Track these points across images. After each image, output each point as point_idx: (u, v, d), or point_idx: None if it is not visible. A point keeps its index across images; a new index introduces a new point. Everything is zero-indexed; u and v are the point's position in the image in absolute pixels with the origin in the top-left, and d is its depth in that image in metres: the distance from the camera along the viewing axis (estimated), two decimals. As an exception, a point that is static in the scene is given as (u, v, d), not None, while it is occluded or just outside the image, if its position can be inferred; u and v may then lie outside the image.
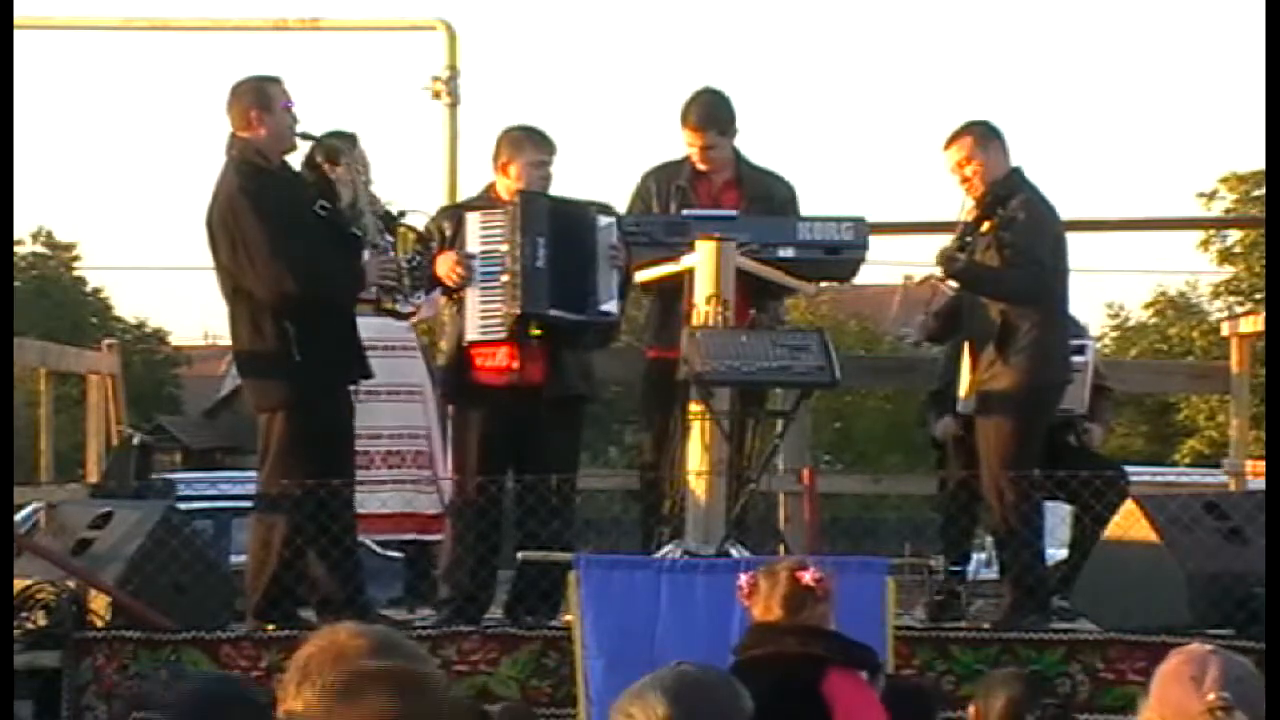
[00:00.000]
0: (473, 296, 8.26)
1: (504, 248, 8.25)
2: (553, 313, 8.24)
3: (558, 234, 8.28)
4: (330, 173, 8.28)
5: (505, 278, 8.21)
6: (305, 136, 8.25)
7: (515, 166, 8.45)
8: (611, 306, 8.38)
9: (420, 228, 8.54)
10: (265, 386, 8.18)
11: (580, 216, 8.39)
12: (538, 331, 8.25)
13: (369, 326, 8.66)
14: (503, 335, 8.24)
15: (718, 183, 8.84)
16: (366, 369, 8.40)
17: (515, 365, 8.30)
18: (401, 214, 8.68)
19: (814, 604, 6.27)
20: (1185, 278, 38.32)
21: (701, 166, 8.78)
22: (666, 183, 8.82)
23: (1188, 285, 38.24)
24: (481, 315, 8.24)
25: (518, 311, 8.17)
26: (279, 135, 8.17)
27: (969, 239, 8.55)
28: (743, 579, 6.40)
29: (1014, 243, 8.43)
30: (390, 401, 9.17)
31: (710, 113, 8.75)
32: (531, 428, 8.32)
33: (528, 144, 8.52)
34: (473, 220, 8.36)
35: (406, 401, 9.18)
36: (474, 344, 8.30)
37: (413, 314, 8.64)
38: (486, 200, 8.53)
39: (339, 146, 8.31)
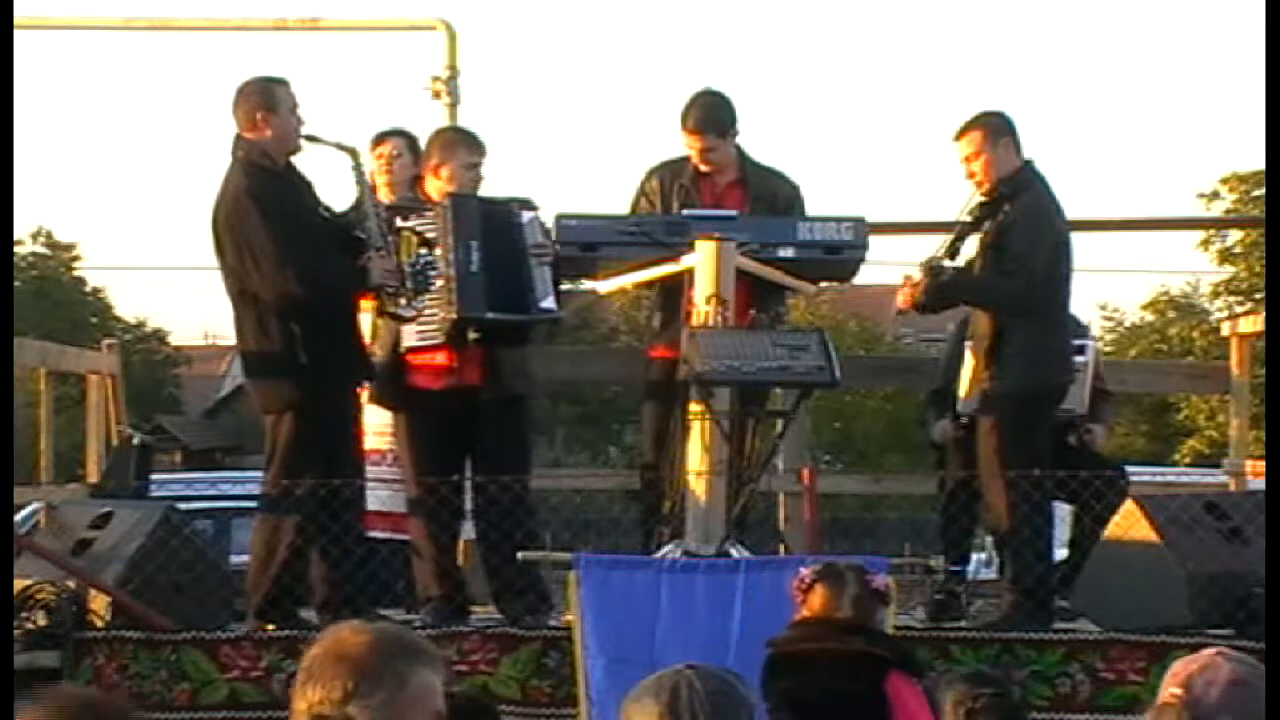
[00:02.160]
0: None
1: (437, 252, 8.26)
2: (490, 316, 8.26)
3: (488, 236, 8.30)
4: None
5: (440, 282, 8.23)
6: (310, 139, 8.25)
7: (448, 169, 8.48)
8: (550, 303, 8.41)
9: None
10: (271, 388, 8.19)
11: (507, 215, 8.42)
12: (476, 335, 8.27)
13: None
14: (440, 340, 8.26)
15: (721, 183, 8.83)
16: (371, 370, 8.41)
17: (454, 366, 8.33)
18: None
19: (881, 608, 6.38)
20: (1186, 278, 38.31)
21: (703, 168, 8.78)
22: (670, 180, 8.81)
23: (1189, 285, 38.23)
24: (418, 320, 8.26)
25: (454, 316, 8.18)
26: (284, 137, 8.17)
27: (960, 243, 8.53)
28: (804, 571, 6.44)
29: (1009, 249, 8.39)
30: None
31: (708, 115, 8.74)
32: (475, 430, 8.35)
33: (461, 146, 8.57)
34: (401, 224, 8.36)
35: None
36: (411, 350, 8.32)
37: (415, 318, 8.65)
38: (415, 202, 8.55)
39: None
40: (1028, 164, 8.54)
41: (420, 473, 8.36)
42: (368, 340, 8.57)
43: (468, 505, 8.52)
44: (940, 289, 8.47)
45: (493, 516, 8.32)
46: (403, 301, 8.34)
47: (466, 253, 8.23)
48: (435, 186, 8.51)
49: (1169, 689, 3.54)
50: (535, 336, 8.76)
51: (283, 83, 8.25)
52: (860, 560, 7.58)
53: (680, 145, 8.83)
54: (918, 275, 8.53)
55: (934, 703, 6.26)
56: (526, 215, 8.43)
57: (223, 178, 8.21)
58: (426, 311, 8.25)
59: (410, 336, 8.30)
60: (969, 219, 8.53)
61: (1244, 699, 3.46)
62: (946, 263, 8.49)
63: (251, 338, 8.15)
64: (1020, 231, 8.38)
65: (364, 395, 8.70)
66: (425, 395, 8.38)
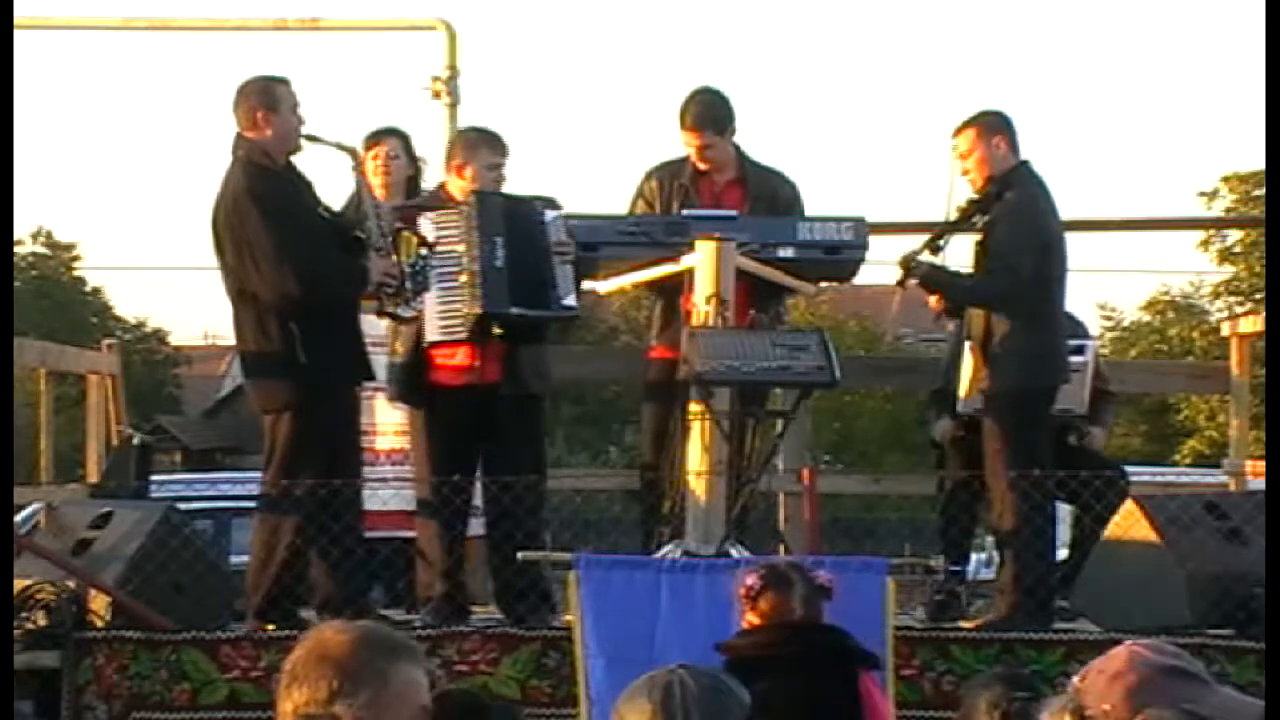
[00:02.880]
0: (430, 297, 8.28)
1: (460, 248, 8.26)
2: (514, 311, 8.26)
3: (513, 232, 8.32)
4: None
5: (464, 278, 8.23)
6: (311, 139, 8.26)
7: (471, 169, 8.49)
8: (571, 300, 8.43)
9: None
10: (270, 388, 8.19)
11: (530, 213, 8.43)
12: (499, 331, 8.27)
13: (372, 325, 8.69)
14: (464, 335, 8.26)
15: (720, 182, 8.84)
16: (370, 370, 8.41)
17: (475, 364, 8.32)
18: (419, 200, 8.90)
19: (824, 604, 6.40)
20: (1189, 278, 38.26)
21: (701, 166, 8.78)
22: (670, 181, 8.82)
23: (1191, 286, 38.21)
24: (441, 316, 8.26)
25: (479, 311, 8.19)
26: (285, 136, 8.18)
27: (944, 239, 8.53)
28: (749, 580, 6.45)
29: (993, 248, 8.41)
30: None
31: (706, 113, 8.75)
32: (493, 427, 8.34)
33: (484, 147, 8.57)
34: (426, 221, 8.37)
35: None
36: (434, 344, 8.31)
37: (414, 318, 8.66)
38: (439, 200, 8.55)
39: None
40: (1023, 164, 8.53)
41: (434, 471, 8.35)
42: (389, 338, 8.57)
43: (477, 502, 8.53)
44: (919, 282, 8.48)
45: (499, 516, 8.31)
46: (402, 302, 8.36)
47: (491, 249, 8.24)
48: (458, 186, 8.50)
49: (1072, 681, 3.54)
50: (548, 335, 8.73)
51: (284, 82, 8.26)
52: (860, 560, 7.62)
53: (679, 146, 8.84)
54: (897, 270, 8.57)
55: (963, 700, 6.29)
56: (550, 214, 8.44)
57: (223, 177, 8.21)
58: (450, 307, 8.25)
59: (433, 332, 8.29)
60: (956, 216, 8.54)
61: (1125, 690, 3.43)
62: (923, 256, 8.49)
63: (251, 337, 8.15)
64: (1005, 229, 8.39)
65: (382, 395, 8.74)
66: (445, 392, 8.37)
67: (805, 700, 6.25)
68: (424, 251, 8.35)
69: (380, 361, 8.74)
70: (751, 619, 6.52)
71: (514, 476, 8.27)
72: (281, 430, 8.11)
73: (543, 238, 8.36)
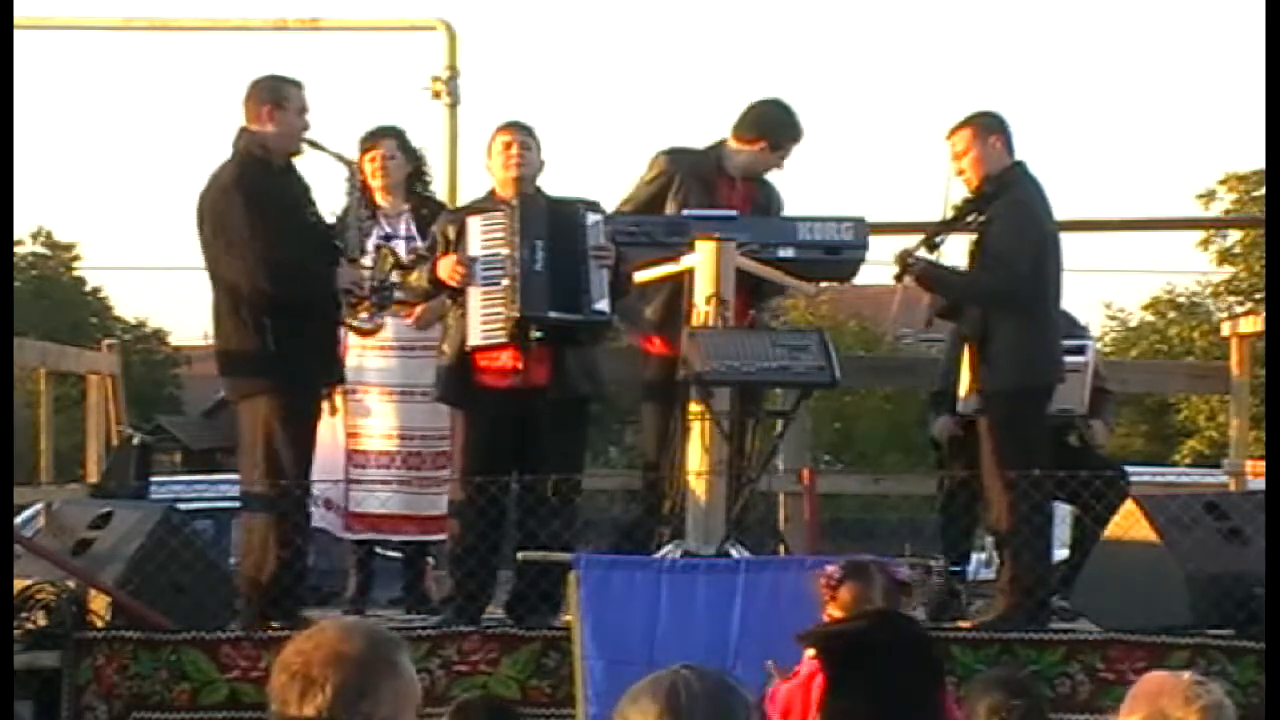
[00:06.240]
0: (475, 300, 8.27)
1: (504, 251, 8.25)
2: (552, 315, 8.25)
3: (554, 235, 8.30)
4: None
5: (506, 281, 8.22)
6: (313, 144, 8.28)
7: (490, 157, 8.48)
8: (604, 305, 8.40)
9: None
10: (240, 375, 8.26)
11: (572, 215, 8.42)
12: (538, 334, 8.25)
13: (395, 327, 8.74)
14: (503, 339, 8.24)
15: (740, 185, 8.89)
16: (340, 372, 8.52)
17: (520, 367, 8.30)
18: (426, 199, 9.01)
19: (903, 599, 6.50)
20: (1195, 278, 38.26)
21: (768, 176, 8.86)
22: (686, 172, 8.84)
23: (1199, 285, 38.20)
24: (483, 320, 8.25)
25: (517, 315, 8.18)
26: (286, 135, 8.21)
27: (941, 237, 8.55)
28: (830, 570, 6.48)
29: (990, 245, 8.42)
30: (410, 403, 9.09)
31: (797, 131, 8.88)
32: (535, 429, 8.31)
33: (498, 132, 8.53)
34: (474, 224, 8.37)
35: (422, 402, 9.10)
36: (476, 349, 8.31)
37: (372, 333, 8.69)
38: (490, 203, 8.55)
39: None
40: (1018, 164, 8.56)
41: (469, 472, 8.33)
42: (439, 339, 8.56)
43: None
44: (915, 278, 8.51)
45: (524, 516, 8.30)
46: (363, 315, 8.41)
47: (531, 252, 8.23)
48: (497, 181, 8.51)
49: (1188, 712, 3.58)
50: (586, 338, 8.65)
51: (296, 84, 8.33)
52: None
53: (684, 139, 8.91)
54: (894, 267, 8.59)
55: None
56: (591, 217, 8.43)
57: (219, 164, 8.27)
58: (492, 310, 8.24)
59: (475, 335, 8.27)
60: (952, 214, 8.56)
61: None
62: (920, 253, 8.51)
63: (223, 325, 8.23)
64: (1002, 228, 8.42)
65: (374, 395, 8.78)
66: (489, 394, 8.34)
67: (892, 687, 6.35)
68: (395, 275, 8.44)
69: (409, 364, 8.80)
70: (833, 611, 6.53)
71: (546, 476, 8.25)
72: (248, 418, 8.18)
73: (582, 241, 8.35)
